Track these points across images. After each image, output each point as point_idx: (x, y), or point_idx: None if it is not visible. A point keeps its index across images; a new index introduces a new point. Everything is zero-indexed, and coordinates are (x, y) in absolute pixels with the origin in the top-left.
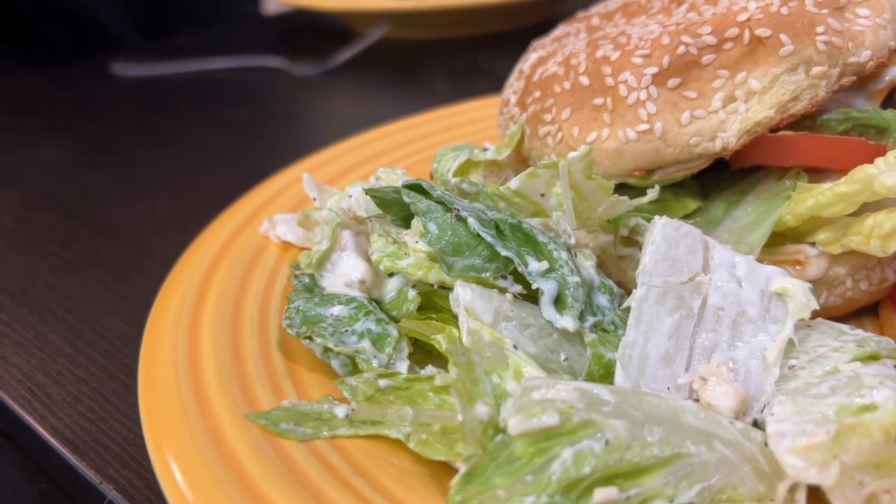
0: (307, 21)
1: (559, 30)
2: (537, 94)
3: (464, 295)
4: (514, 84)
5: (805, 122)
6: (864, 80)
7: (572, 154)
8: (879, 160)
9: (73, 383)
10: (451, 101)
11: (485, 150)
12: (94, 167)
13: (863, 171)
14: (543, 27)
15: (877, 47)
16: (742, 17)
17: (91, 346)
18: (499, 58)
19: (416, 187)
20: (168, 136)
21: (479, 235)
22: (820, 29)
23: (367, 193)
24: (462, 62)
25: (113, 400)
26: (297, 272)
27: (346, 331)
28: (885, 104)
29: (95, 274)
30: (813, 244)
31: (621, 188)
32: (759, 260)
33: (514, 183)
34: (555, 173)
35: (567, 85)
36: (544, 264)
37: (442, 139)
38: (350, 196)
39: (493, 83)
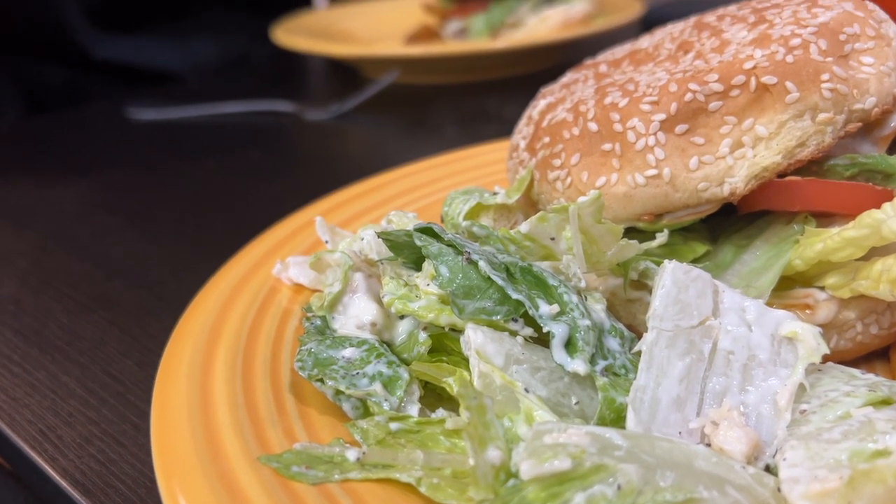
0: (318, 66)
1: (567, 76)
2: (546, 139)
3: (475, 338)
4: (523, 129)
5: (812, 167)
6: (869, 126)
7: (582, 198)
8: (887, 205)
9: (85, 425)
10: (460, 145)
11: (495, 193)
12: (108, 209)
13: (870, 216)
14: (551, 73)
15: (882, 94)
16: (748, 65)
17: (103, 387)
18: (507, 103)
19: (427, 230)
20: (181, 179)
21: (489, 278)
22: (825, 76)
23: (378, 236)
24: (471, 107)
25: (124, 442)
26: (309, 314)
27: (358, 373)
28: (892, 150)
29: (108, 316)
30: (822, 288)
31: (630, 232)
32: (769, 304)
33: (524, 227)
34: (565, 217)
35: (576, 131)
36: (555, 307)
37: (452, 183)
38: (362, 239)
39: (501, 128)
